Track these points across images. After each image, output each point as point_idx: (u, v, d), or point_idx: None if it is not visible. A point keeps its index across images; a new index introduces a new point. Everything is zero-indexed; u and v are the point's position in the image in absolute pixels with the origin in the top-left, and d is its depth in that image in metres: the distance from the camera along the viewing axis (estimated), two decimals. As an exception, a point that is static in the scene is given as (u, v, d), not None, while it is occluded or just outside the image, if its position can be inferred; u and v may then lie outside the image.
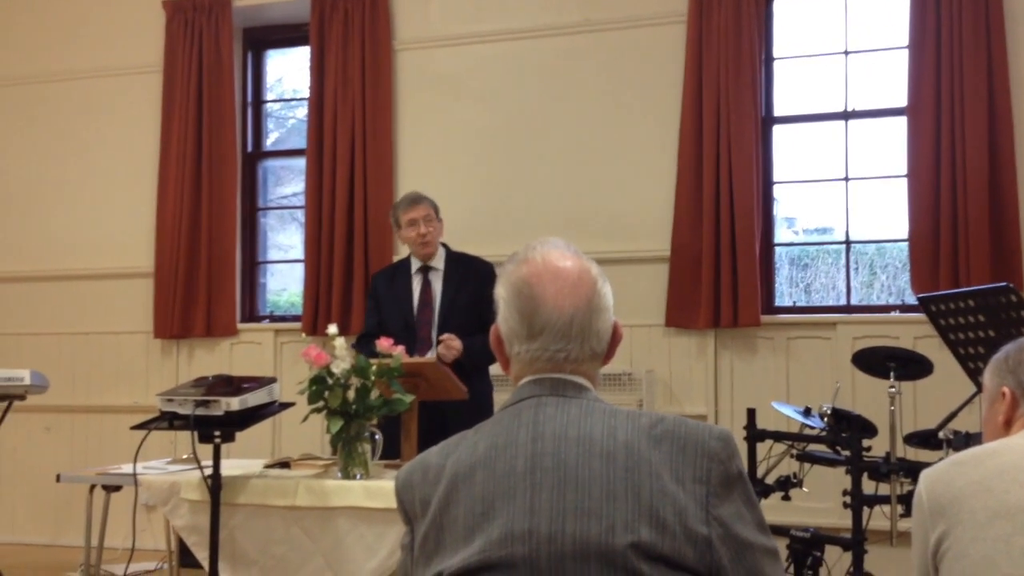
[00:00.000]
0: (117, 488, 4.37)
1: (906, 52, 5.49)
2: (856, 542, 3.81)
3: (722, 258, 5.61)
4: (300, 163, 6.71)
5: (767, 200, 5.86)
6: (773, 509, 4.42)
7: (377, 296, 4.78)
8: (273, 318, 6.81)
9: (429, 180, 6.10)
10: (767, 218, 5.85)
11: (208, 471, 3.68)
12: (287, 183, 7.18)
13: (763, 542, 1.55)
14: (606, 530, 1.47)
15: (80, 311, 6.89)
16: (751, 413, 4.31)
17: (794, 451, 4.21)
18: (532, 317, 1.64)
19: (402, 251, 5.98)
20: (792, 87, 5.98)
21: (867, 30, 5.84)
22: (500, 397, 4.82)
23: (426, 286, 4.70)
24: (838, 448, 4.01)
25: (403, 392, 3.77)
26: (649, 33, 5.96)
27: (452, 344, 4.41)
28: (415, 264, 4.74)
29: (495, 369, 4.67)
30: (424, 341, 4.61)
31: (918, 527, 1.90)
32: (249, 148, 6.91)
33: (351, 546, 3.65)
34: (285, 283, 7.09)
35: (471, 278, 4.66)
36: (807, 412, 4.19)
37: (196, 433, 3.65)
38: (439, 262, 4.72)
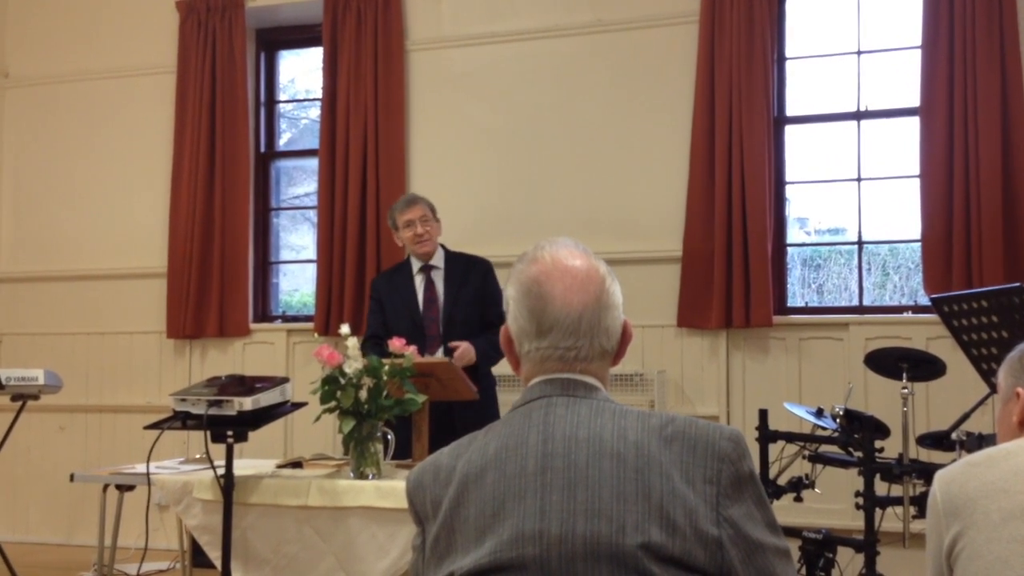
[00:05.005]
0: (130, 488, 4.38)
1: (919, 52, 5.48)
2: (868, 543, 3.79)
3: (734, 258, 5.61)
4: (313, 163, 6.73)
5: (779, 200, 5.85)
6: (785, 510, 4.43)
7: (379, 299, 4.82)
8: (285, 318, 6.82)
9: (441, 180, 6.12)
10: (779, 218, 5.84)
11: (221, 471, 3.69)
12: (300, 183, 7.19)
13: (774, 542, 1.55)
14: (616, 531, 1.47)
15: (93, 311, 6.91)
16: (763, 414, 4.30)
17: (806, 452, 4.20)
18: (541, 315, 1.64)
19: (413, 251, 5.99)
20: (804, 87, 5.97)
21: (880, 30, 5.82)
22: (504, 396, 4.84)
23: (429, 284, 4.75)
24: (850, 449, 4.00)
25: (415, 392, 3.77)
26: (661, 33, 5.96)
27: (466, 355, 4.44)
28: (416, 264, 4.79)
29: (497, 368, 4.69)
30: (433, 338, 4.64)
31: (932, 528, 1.89)
32: (262, 148, 6.93)
33: (363, 546, 3.65)
34: (297, 283, 7.10)
35: (471, 274, 4.76)
36: (819, 413, 4.18)
37: (209, 433, 3.67)
38: (439, 261, 4.79)
